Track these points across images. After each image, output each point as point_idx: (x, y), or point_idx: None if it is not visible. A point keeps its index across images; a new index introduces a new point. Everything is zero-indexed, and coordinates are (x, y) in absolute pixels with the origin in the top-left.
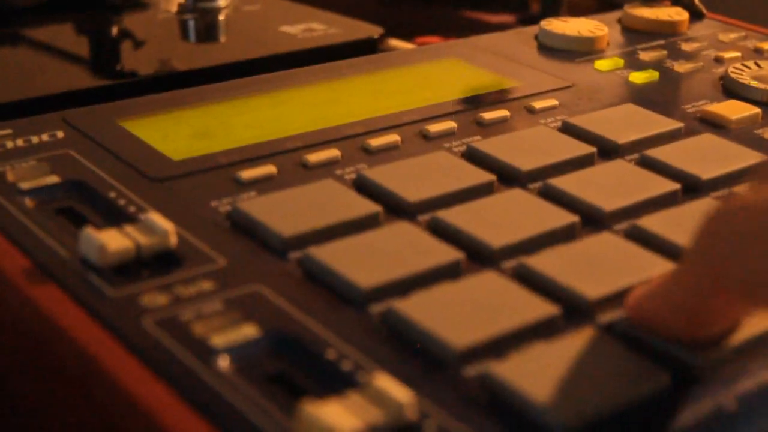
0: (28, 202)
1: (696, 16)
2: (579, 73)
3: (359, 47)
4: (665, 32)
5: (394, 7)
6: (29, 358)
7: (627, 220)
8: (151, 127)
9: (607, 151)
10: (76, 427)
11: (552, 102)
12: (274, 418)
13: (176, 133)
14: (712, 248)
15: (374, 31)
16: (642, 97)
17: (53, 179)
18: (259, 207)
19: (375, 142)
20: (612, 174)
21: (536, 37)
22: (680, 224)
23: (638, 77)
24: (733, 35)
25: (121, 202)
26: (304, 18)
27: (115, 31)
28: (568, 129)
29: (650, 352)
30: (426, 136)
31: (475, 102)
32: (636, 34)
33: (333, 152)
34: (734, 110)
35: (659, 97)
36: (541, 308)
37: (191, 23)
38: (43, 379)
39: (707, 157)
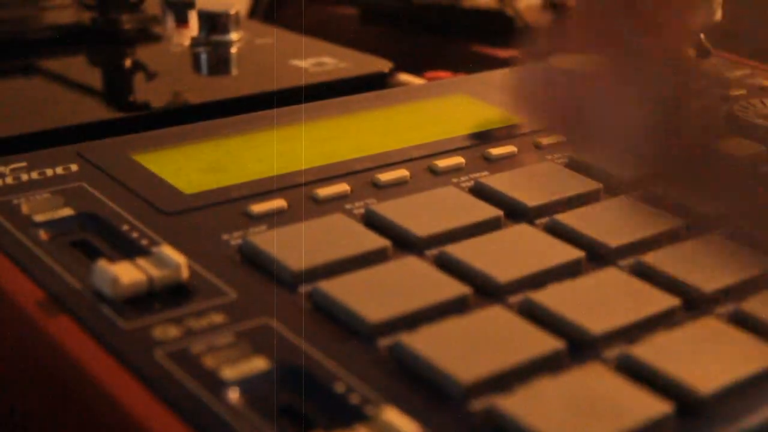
0: (43, 234)
1: (702, 53)
2: None
3: (369, 81)
4: None
5: (404, 41)
6: (42, 388)
7: (632, 256)
8: (164, 160)
9: (613, 187)
10: None
11: (559, 138)
12: None
13: (188, 166)
14: None
15: (384, 65)
16: None
17: (67, 212)
18: (269, 241)
19: (384, 176)
20: (618, 210)
21: None
22: (684, 260)
23: None
24: (739, 73)
25: (134, 234)
26: (315, 52)
27: (128, 63)
28: (574, 165)
29: (654, 385)
30: (434, 171)
31: (483, 138)
32: None
33: (343, 187)
34: (740, 148)
35: None
36: (546, 343)
37: (204, 56)
38: (56, 409)
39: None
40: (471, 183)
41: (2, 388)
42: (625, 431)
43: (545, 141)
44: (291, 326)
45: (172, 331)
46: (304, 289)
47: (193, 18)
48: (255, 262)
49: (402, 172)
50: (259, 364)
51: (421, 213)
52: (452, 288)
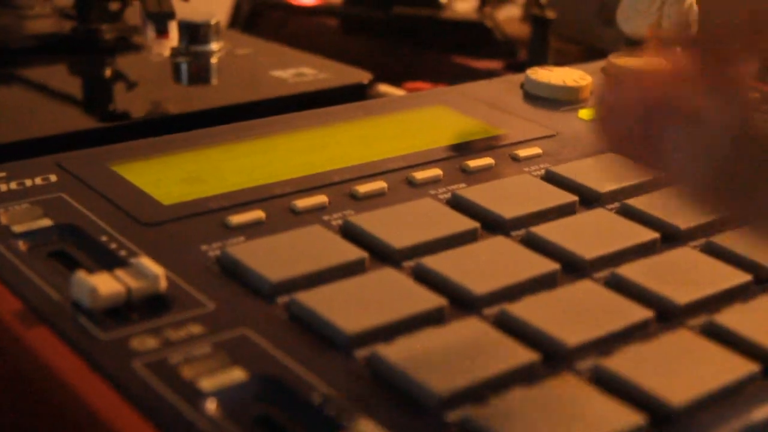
0: (21, 245)
1: None
2: (563, 122)
3: (349, 92)
4: None
5: (385, 52)
6: (20, 399)
7: (607, 268)
8: (143, 171)
9: (589, 199)
10: None
11: (536, 150)
12: None
13: (167, 177)
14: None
15: (364, 76)
16: None
17: (46, 222)
18: (247, 252)
19: (362, 188)
20: (593, 223)
21: (522, 86)
22: (658, 273)
23: None
24: None
25: (113, 246)
26: (295, 62)
27: (108, 73)
28: (551, 177)
29: (627, 397)
30: (412, 183)
31: (460, 149)
32: None
33: (321, 198)
34: None
35: None
36: (521, 355)
37: (184, 66)
38: (34, 420)
39: (686, 206)
40: (448, 195)
41: None
42: None
43: (522, 153)
44: (268, 337)
45: (150, 342)
46: (281, 300)
47: (173, 28)
48: (233, 273)
49: (380, 184)
50: (236, 374)
51: (398, 225)
52: (428, 300)
